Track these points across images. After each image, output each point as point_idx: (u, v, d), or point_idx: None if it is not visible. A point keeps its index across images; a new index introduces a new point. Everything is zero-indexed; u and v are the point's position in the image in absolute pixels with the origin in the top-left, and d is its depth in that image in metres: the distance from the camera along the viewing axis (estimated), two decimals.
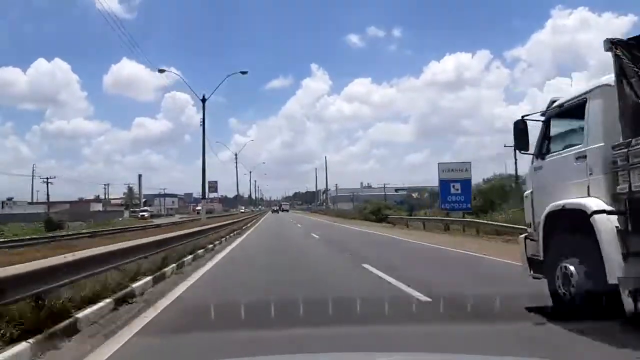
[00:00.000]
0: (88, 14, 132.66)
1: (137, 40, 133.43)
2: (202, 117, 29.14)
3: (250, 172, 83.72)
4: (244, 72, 28.48)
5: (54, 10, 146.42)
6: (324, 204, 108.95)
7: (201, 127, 29.21)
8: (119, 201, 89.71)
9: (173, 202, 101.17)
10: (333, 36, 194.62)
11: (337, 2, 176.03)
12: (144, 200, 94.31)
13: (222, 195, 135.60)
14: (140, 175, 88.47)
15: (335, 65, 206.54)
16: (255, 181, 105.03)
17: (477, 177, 33.30)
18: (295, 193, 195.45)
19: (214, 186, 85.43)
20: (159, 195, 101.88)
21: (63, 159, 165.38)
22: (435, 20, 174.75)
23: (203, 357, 4.21)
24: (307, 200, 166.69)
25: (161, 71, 29.53)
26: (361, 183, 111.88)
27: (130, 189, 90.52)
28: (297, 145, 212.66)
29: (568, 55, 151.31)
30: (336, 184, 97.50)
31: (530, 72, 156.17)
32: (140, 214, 65.41)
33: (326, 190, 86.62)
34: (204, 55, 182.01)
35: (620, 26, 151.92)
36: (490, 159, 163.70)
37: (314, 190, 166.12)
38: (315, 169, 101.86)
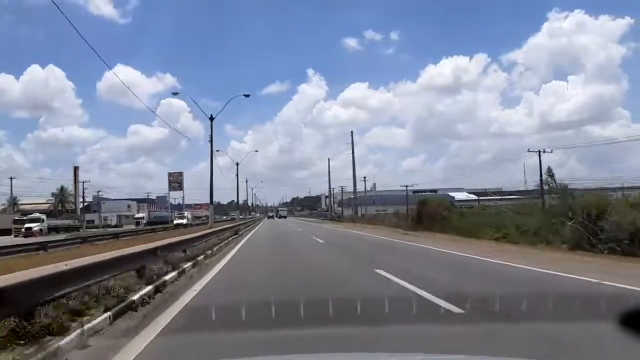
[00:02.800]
0: (82, 19, 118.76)
1: (132, 45, 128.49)
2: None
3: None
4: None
5: (48, 15, 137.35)
6: (329, 208, 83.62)
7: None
8: (45, 206, 62.29)
9: (129, 206, 72.66)
10: (329, 40, 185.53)
11: (333, 6, 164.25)
12: (84, 204, 66.75)
13: (217, 202, 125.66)
14: (76, 169, 61.10)
15: (331, 70, 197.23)
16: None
17: None
18: (294, 198, 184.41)
19: (177, 181, 58.42)
20: (117, 200, 74.12)
21: (57, 168, 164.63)
22: (432, 23, 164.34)
23: None
24: (308, 206, 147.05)
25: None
26: (374, 184, 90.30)
27: (62, 189, 62.31)
28: (294, 151, 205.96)
29: (564, 58, 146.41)
30: (374, 183, 70.71)
31: (527, 76, 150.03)
32: (27, 226, 38.44)
33: (354, 191, 59.13)
34: (199, 59, 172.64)
35: (616, 28, 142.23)
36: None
37: (314, 195, 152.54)
38: (329, 159, 77.50)
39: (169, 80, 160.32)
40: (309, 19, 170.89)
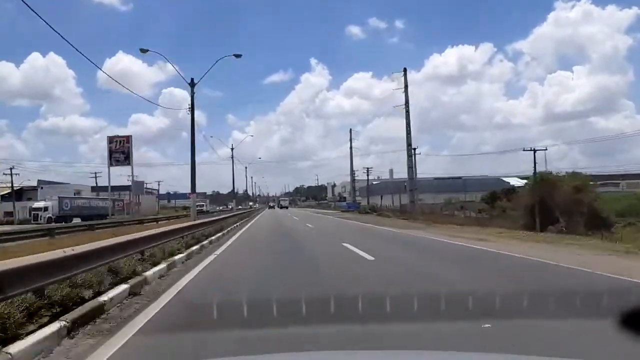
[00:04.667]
0: (82, 6, 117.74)
1: (133, 33, 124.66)
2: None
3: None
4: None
5: (48, 2, 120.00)
6: (353, 197, 66.17)
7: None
8: None
9: (78, 193, 53.77)
10: (333, 29, 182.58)
11: None
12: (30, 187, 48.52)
13: (214, 191, 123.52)
14: None
15: (335, 59, 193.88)
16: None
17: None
18: (297, 188, 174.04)
19: (122, 150, 39.53)
20: (54, 184, 55.34)
21: (59, 157, 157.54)
22: (438, 11, 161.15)
23: None
24: (313, 196, 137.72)
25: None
26: (391, 169, 73.25)
27: None
28: (296, 141, 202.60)
29: (570, 48, 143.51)
30: (391, 169, 52.27)
31: (532, 66, 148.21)
32: None
33: (409, 170, 39.60)
34: (201, 48, 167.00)
35: (623, 19, 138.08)
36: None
37: (319, 184, 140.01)
38: (350, 129, 62.57)
39: (170, 69, 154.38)
40: (313, 7, 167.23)
